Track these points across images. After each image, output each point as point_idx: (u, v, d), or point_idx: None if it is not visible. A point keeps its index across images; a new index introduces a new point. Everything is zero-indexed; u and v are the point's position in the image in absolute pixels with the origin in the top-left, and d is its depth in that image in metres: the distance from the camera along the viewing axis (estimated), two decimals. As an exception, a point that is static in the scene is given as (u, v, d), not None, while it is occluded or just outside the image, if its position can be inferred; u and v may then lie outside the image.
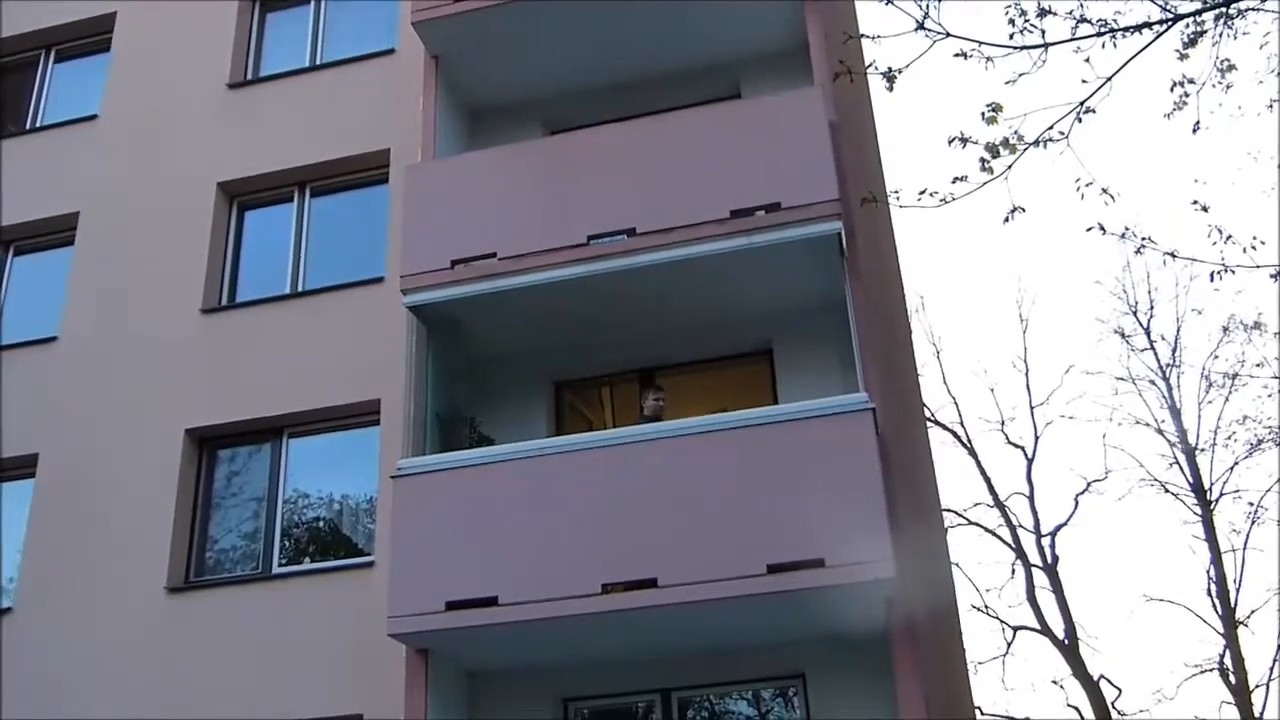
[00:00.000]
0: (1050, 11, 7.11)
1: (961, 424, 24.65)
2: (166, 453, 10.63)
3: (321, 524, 10.71)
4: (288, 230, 11.78)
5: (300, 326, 11.00)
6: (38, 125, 13.28)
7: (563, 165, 10.05)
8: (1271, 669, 21.28)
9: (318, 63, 12.56)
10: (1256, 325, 21.64)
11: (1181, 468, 23.20)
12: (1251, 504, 22.27)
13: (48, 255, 12.40)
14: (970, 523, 24.18)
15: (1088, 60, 7.00)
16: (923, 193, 7.25)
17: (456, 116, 11.32)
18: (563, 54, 10.93)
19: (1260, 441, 21.85)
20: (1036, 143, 7.01)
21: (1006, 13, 7.24)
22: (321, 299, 11.10)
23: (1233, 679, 21.31)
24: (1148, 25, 6.99)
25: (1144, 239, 8.44)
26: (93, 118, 12.81)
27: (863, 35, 7.71)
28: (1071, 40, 7.04)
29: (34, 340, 11.68)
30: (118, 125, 12.62)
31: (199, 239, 11.64)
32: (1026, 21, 7.15)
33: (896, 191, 7.61)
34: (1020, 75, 7.18)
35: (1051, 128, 7.02)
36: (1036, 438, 24.19)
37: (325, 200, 11.93)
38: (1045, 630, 22.68)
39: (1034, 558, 23.37)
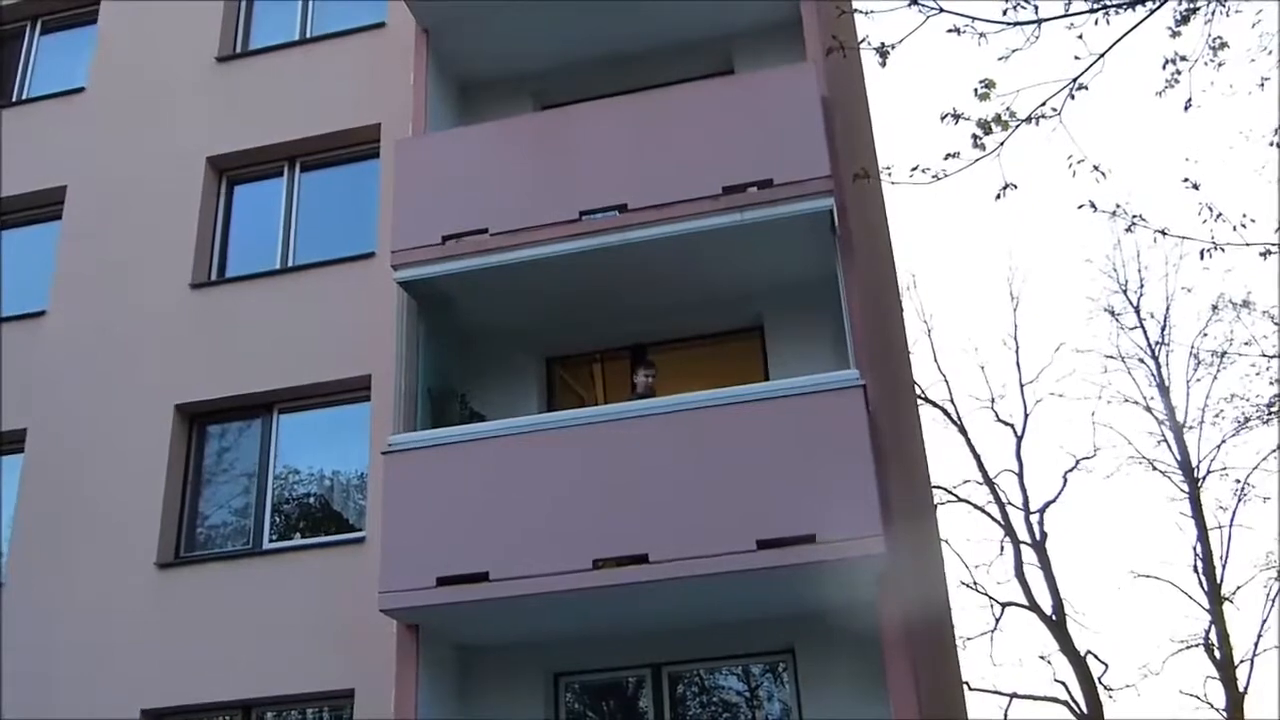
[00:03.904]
0: (1044, -14, 7.09)
1: (952, 401, 24.76)
2: (156, 428, 10.60)
3: (312, 500, 10.71)
4: (277, 205, 11.72)
5: (290, 302, 10.96)
6: (24, 98, 13.16)
7: (555, 140, 10.01)
8: (1256, 644, 21.52)
9: (307, 36, 12.46)
10: (1245, 304, 21.71)
11: (1169, 445, 23.36)
12: (1238, 481, 22.45)
13: (35, 229, 12.31)
14: (960, 499, 24.31)
15: (1081, 37, 6.98)
16: (915, 169, 7.25)
17: (447, 91, 11.26)
18: (554, 28, 10.85)
19: (1248, 419, 21.96)
20: (1029, 119, 7.01)
21: (1000, -13, 7.21)
22: (312, 274, 11.06)
23: (1218, 654, 21.52)
24: (1141, 1, 6.97)
25: (1135, 217, 8.47)
26: (80, 90, 12.70)
27: (856, 10, 7.69)
28: (1065, 16, 7.02)
29: (23, 315, 11.62)
30: (105, 98, 12.51)
31: (188, 214, 11.56)
32: (1020, -4, 7.13)
33: (889, 168, 7.57)
34: (1013, 51, 7.16)
35: (1044, 104, 7.02)
36: (1026, 415, 24.31)
37: (315, 175, 11.86)
38: (1033, 606, 22.84)
39: (1023, 534, 23.53)
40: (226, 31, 12.57)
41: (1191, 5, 7.19)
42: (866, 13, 7.29)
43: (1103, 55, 6.90)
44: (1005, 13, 7.09)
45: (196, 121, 12.04)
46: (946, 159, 7.12)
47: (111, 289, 11.39)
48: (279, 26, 12.64)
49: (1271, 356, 21.01)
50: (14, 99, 13.18)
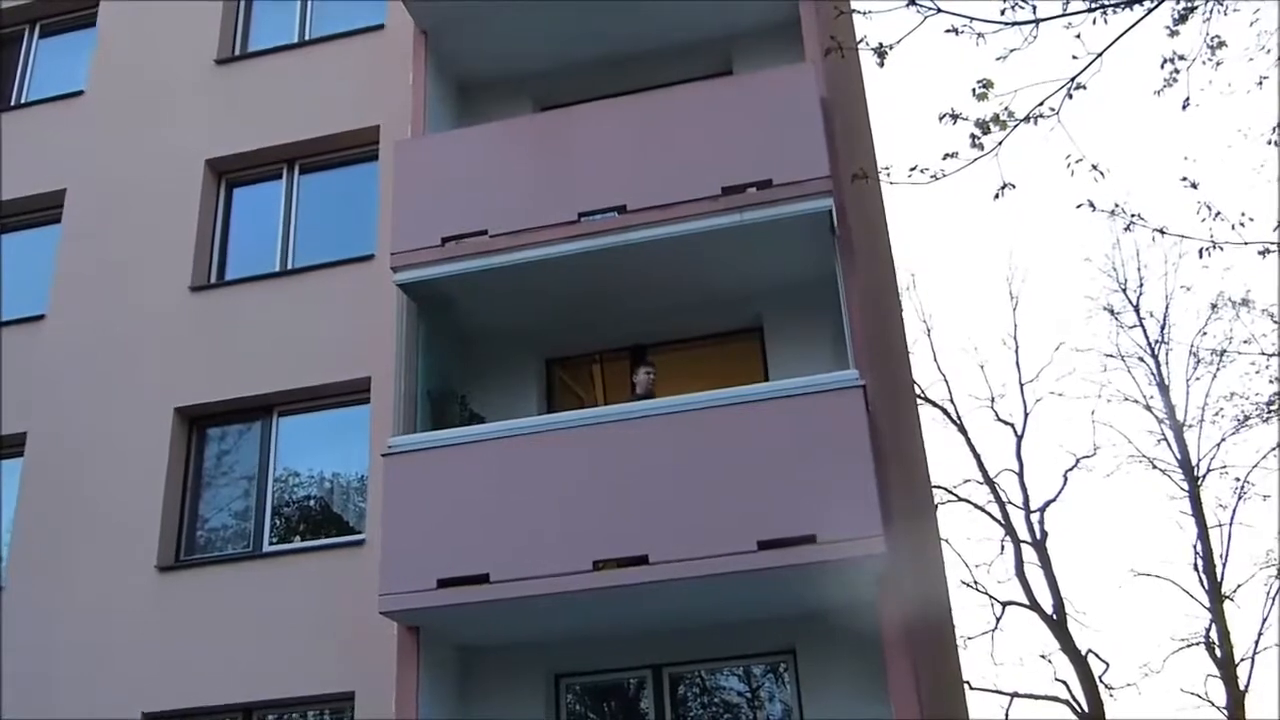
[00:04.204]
0: (1042, -14, 7.09)
1: (951, 401, 24.73)
2: (156, 431, 10.60)
3: (312, 502, 10.71)
4: (277, 207, 11.72)
5: (290, 304, 10.96)
6: (23, 101, 13.17)
7: (554, 141, 10.01)
8: (1256, 642, 21.51)
9: (306, 38, 12.47)
10: (1244, 302, 21.70)
11: (1169, 444, 23.35)
12: (1238, 479, 22.45)
13: (35, 233, 12.32)
14: (960, 499, 24.29)
15: (1079, 36, 6.98)
16: (914, 169, 7.25)
17: (446, 92, 11.26)
18: (553, 29, 10.85)
19: (1247, 418, 21.95)
20: (1027, 119, 7.01)
21: (998, -13, 7.21)
22: (311, 277, 11.06)
23: (1219, 652, 21.51)
24: (1138, 0, 6.97)
25: (1133, 216, 8.48)
26: (79, 94, 12.70)
27: (854, 10, 7.69)
28: (1063, 16, 7.02)
29: (22, 318, 11.63)
30: (104, 101, 12.51)
31: (187, 216, 11.57)
32: (1018, -4, 7.12)
33: (887, 168, 7.57)
34: (1011, 51, 7.16)
35: (1042, 104, 7.02)
36: (1026, 414, 24.27)
37: (314, 177, 11.85)
38: (1034, 605, 22.82)
39: (1023, 534, 23.50)
40: (225, 33, 12.57)
41: (1189, 4, 7.18)
42: (865, 13, 7.29)
43: (1100, 55, 6.90)
44: (1003, 13, 7.09)
45: (195, 124, 12.04)
46: (945, 159, 7.12)
47: (111, 292, 11.39)
48: (278, 28, 12.65)
49: (1271, 355, 21.03)
50: (13, 102, 13.18)
